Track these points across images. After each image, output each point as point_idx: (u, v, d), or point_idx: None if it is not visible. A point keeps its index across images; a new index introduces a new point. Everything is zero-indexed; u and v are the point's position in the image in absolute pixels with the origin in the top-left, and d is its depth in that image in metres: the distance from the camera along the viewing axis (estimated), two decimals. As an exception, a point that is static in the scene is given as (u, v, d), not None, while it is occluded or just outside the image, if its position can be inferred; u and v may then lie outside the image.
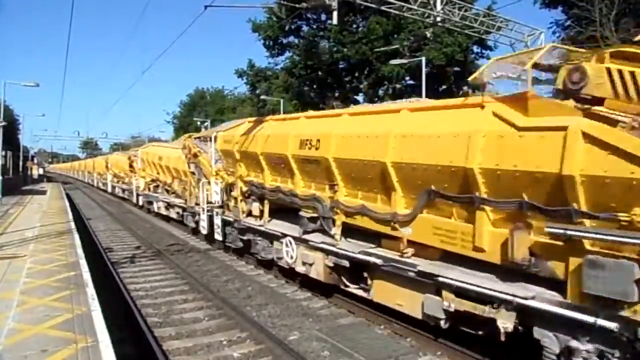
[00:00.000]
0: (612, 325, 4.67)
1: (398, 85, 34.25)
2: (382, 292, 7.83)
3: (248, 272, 12.42)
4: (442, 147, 6.43)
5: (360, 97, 39.29)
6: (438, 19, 23.41)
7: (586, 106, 5.19)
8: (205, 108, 68.08)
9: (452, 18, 22.86)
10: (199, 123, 53.06)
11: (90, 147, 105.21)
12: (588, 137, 4.84)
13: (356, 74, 37.46)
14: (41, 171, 68.22)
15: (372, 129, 7.88)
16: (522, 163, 5.44)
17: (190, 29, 37.16)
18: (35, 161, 65.75)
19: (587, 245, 4.94)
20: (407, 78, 34.01)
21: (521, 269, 5.53)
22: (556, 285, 5.35)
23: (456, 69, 32.86)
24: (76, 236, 13.46)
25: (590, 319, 4.83)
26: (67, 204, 25.50)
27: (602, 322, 4.75)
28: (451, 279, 6.33)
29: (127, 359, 5.91)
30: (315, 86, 39.50)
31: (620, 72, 5.18)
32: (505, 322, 5.62)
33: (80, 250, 11.20)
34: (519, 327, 5.62)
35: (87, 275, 8.67)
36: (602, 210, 4.82)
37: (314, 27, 37.74)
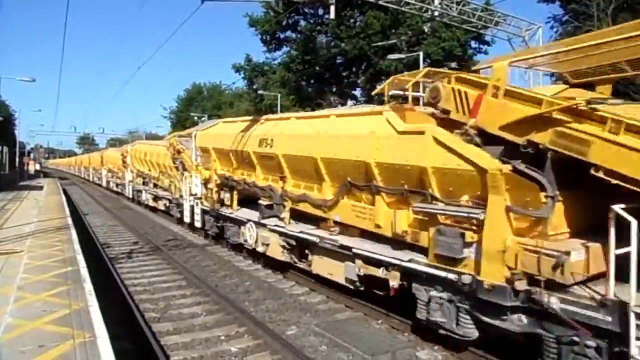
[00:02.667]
0: (451, 277, 6.17)
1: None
2: (318, 264, 9.36)
3: (246, 268, 12.42)
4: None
5: (357, 92, 39.22)
6: (436, 13, 23.41)
7: (443, 115, 7.04)
8: (202, 103, 67.93)
9: (450, 13, 22.82)
10: (196, 118, 52.93)
11: (87, 143, 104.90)
12: (436, 140, 6.44)
13: (354, 69, 37.43)
14: (38, 167, 67.95)
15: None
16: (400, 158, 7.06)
17: (187, 24, 37.13)
18: (32, 157, 65.50)
19: (441, 219, 6.53)
20: (405, 73, 33.99)
21: (403, 239, 7.17)
22: (424, 250, 6.82)
23: (453, 64, 32.82)
24: (73, 232, 13.41)
25: (440, 273, 6.38)
26: (64, 199, 25.42)
27: (444, 275, 6.31)
28: (360, 249, 7.91)
29: (125, 354, 5.90)
30: (312, 81, 39.43)
31: (459, 91, 6.73)
32: (393, 280, 7.27)
33: (77, 246, 11.14)
34: (404, 284, 7.21)
35: (84, 271, 8.63)
36: (446, 195, 6.47)
37: (312, 21, 37.64)
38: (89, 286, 7.62)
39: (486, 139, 6.23)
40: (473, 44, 34.36)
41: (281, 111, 35.79)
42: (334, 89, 38.85)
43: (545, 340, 5.33)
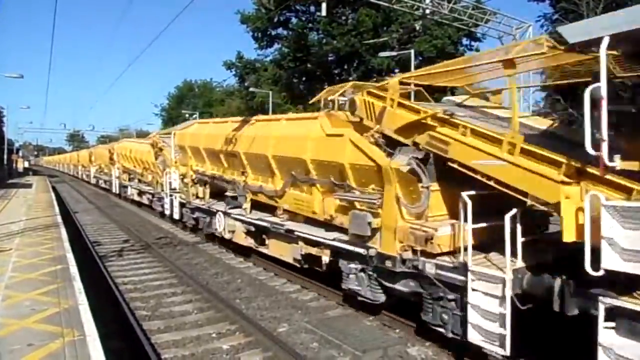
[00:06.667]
0: (362, 251, 7.69)
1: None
2: (273, 247, 10.92)
3: (237, 265, 12.52)
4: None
5: (349, 90, 39.15)
6: (427, 11, 23.56)
7: (357, 120, 8.43)
8: (193, 100, 67.80)
9: (441, 10, 22.95)
10: (187, 115, 52.70)
11: (77, 140, 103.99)
12: (351, 142, 7.93)
13: (345, 67, 37.55)
14: (26, 164, 67.21)
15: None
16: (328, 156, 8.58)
17: (178, 21, 36.86)
18: (21, 154, 64.80)
19: (357, 205, 7.92)
20: (397, 70, 34.06)
21: (332, 222, 8.72)
22: (346, 230, 8.14)
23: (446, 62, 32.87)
24: (63, 229, 13.44)
25: (355, 249, 7.92)
26: (54, 197, 25.22)
27: (358, 249, 7.80)
28: (300, 232, 9.46)
29: (115, 352, 5.89)
30: (304, 78, 39.51)
31: (368, 102, 8.08)
32: (325, 257, 8.82)
33: (67, 244, 11.19)
34: (333, 260, 8.64)
35: (74, 269, 8.68)
36: (360, 185, 7.95)
37: (303, 19, 37.85)
38: (78, 284, 7.66)
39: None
40: (465, 41, 34.49)
41: (273, 108, 35.73)
42: (326, 87, 38.75)
43: (424, 298, 6.81)
